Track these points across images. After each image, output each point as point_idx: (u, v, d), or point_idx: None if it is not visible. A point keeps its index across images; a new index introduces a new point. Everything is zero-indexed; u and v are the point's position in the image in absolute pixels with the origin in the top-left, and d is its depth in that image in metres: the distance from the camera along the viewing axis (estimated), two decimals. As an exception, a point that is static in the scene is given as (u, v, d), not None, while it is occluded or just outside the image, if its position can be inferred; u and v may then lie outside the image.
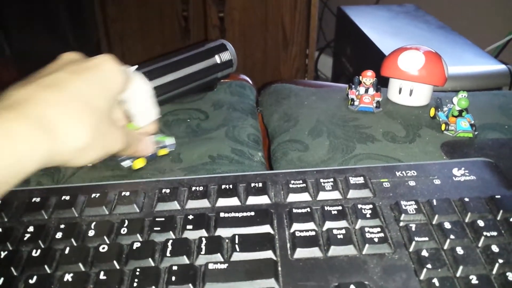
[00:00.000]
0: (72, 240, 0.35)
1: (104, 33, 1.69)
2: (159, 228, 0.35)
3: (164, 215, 0.37)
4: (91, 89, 0.36)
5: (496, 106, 0.58)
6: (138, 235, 0.35)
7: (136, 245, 0.34)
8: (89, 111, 0.35)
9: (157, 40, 1.67)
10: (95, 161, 0.38)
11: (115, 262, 0.33)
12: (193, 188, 0.39)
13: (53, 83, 0.35)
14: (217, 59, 0.61)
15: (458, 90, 0.53)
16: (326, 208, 0.36)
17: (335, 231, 0.34)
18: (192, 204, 0.38)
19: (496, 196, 0.37)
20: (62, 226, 0.36)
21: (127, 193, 0.39)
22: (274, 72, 1.59)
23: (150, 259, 0.33)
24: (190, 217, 0.36)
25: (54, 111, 0.33)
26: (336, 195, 0.38)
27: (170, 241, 0.34)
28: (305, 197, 0.38)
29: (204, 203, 0.38)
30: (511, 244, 0.33)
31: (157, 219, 0.36)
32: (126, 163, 0.48)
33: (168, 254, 0.33)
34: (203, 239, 0.34)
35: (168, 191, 0.39)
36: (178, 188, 0.39)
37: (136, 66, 0.56)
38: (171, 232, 0.35)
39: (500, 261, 0.31)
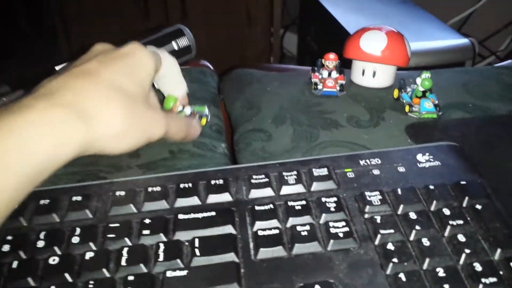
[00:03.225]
0: (20, 253, 0.33)
1: (60, 16, 1.62)
2: (113, 235, 0.33)
3: (119, 220, 0.35)
4: (123, 76, 0.37)
5: (460, 84, 0.57)
6: (91, 243, 0.33)
7: (89, 255, 0.32)
8: (122, 98, 0.36)
9: (115, 22, 1.60)
10: (134, 148, 0.38)
11: (66, 275, 0.31)
12: (150, 189, 0.37)
13: (85, 72, 0.35)
14: (174, 45, 0.58)
15: (421, 66, 0.52)
16: (289, 203, 0.35)
17: (299, 228, 0.33)
18: (149, 206, 0.36)
19: (461, 182, 0.36)
20: (8, 237, 0.34)
21: (79, 198, 0.36)
22: (238, 52, 1.56)
23: (104, 270, 0.31)
24: (147, 221, 0.34)
25: (88, 99, 0.34)
26: (299, 188, 0.37)
27: (126, 248, 0.32)
28: (267, 192, 0.36)
29: (162, 205, 0.36)
30: (477, 233, 0.32)
31: (111, 225, 0.34)
32: None
33: (123, 263, 0.31)
34: (161, 244, 0.32)
35: (123, 193, 0.37)
36: (134, 190, 0.37)
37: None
38: (126, 239, 0.33)
39: (467, 251, 0.31)
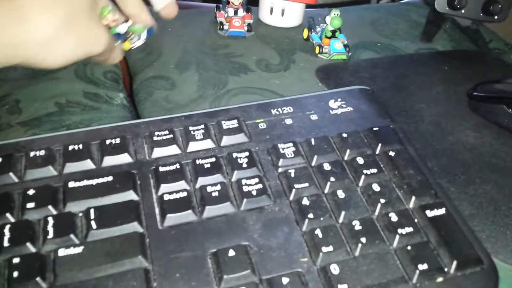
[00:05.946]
0: None
1: None
2: (-10, 212, 0.28)
3: (-4, 193, 0.29)
4: None
5: (368, 22, 0.56)
6: (-37, 223, 0.28)
7: (-39, 238, 0.27)
8: (63, 3, 0.34)
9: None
10: (72, 61, 0.36)
11: None
12: (32, 153, 0.31)
13: None
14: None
15: (329, 3, 0.50)
16: (198, 161, 0.32)
17: (209, 188, 0.30)
18: (32, 174, 0.30)
19: (374, 128, 0.35)
20: None
21: None
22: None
23: (-18, 254, 0.26)
24: (31, 191, 0.29)
25: None
26: (208, 144, 0.33)
27: (7, 226, 0.28)
28: (173, 150, 0.33)
29: (48, 171, 0.31)
30: (391, 181, 0.31)
31: (-13, 199, 0.29)
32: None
33: (6, 244, 0.27)
34: (50, 218, 0.28)
35: (-1, 160, 0.31)
36: (13, 155, 0.31)
37: None
38: (8, 214, 0.28)
39: (382, 201, 0.30)
